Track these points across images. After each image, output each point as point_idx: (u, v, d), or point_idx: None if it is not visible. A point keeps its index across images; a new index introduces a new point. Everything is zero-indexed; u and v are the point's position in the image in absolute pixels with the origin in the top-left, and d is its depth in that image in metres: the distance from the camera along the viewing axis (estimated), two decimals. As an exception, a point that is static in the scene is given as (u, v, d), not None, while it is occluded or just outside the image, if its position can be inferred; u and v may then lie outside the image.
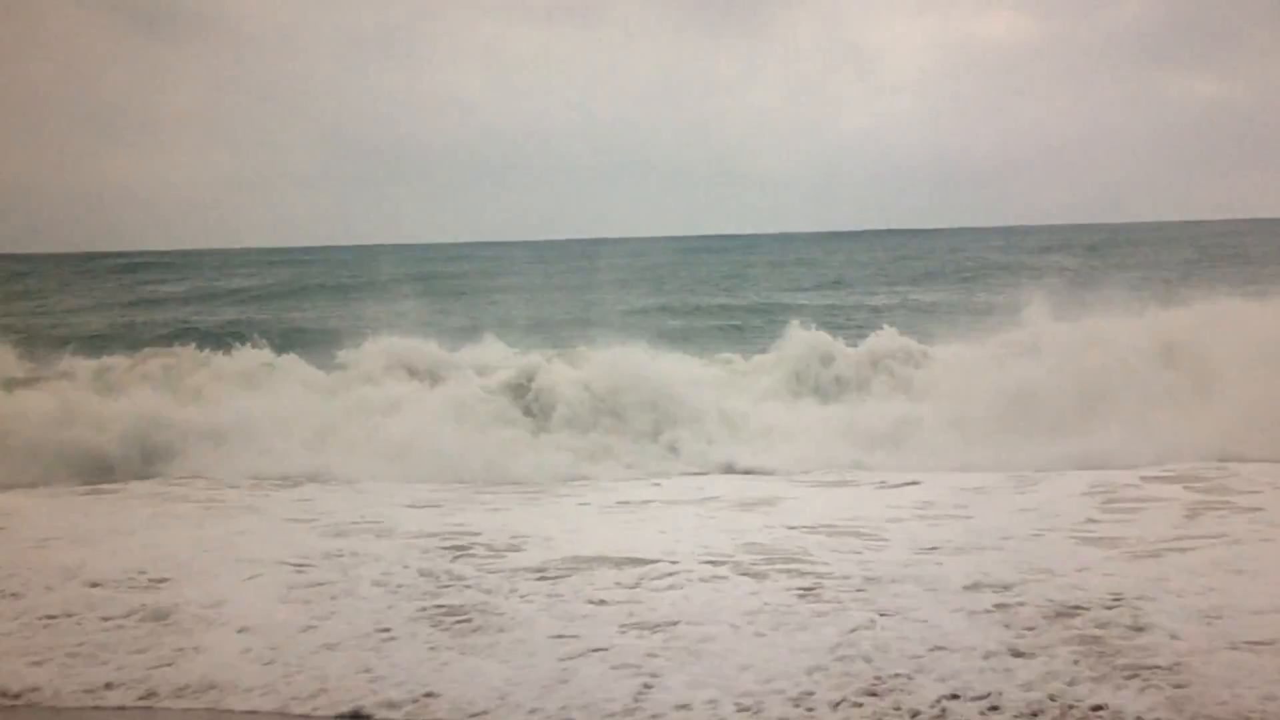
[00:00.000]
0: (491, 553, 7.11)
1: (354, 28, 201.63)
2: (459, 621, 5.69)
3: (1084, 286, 14.98)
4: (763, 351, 13.93)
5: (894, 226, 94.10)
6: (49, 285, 35.39)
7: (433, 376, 12.64)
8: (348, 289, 32.14)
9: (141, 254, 54.63)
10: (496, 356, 14.01)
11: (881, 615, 5.56)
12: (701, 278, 34.82)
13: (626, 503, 8.93)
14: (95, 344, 16.77)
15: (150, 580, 6.52)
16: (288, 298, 30.10)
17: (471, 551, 7.16)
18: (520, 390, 12.00)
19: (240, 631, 5.61)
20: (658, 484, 9.87)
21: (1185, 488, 8.70)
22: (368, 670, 5.07)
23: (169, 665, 5.21)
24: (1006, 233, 69.72)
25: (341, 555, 7.02)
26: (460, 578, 6.50)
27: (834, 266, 38.74)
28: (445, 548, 7.26)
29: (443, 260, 49.97)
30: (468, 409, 11.64)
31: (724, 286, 31.24)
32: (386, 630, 5.59)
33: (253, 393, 12.30)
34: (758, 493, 9.09)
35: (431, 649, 5.32)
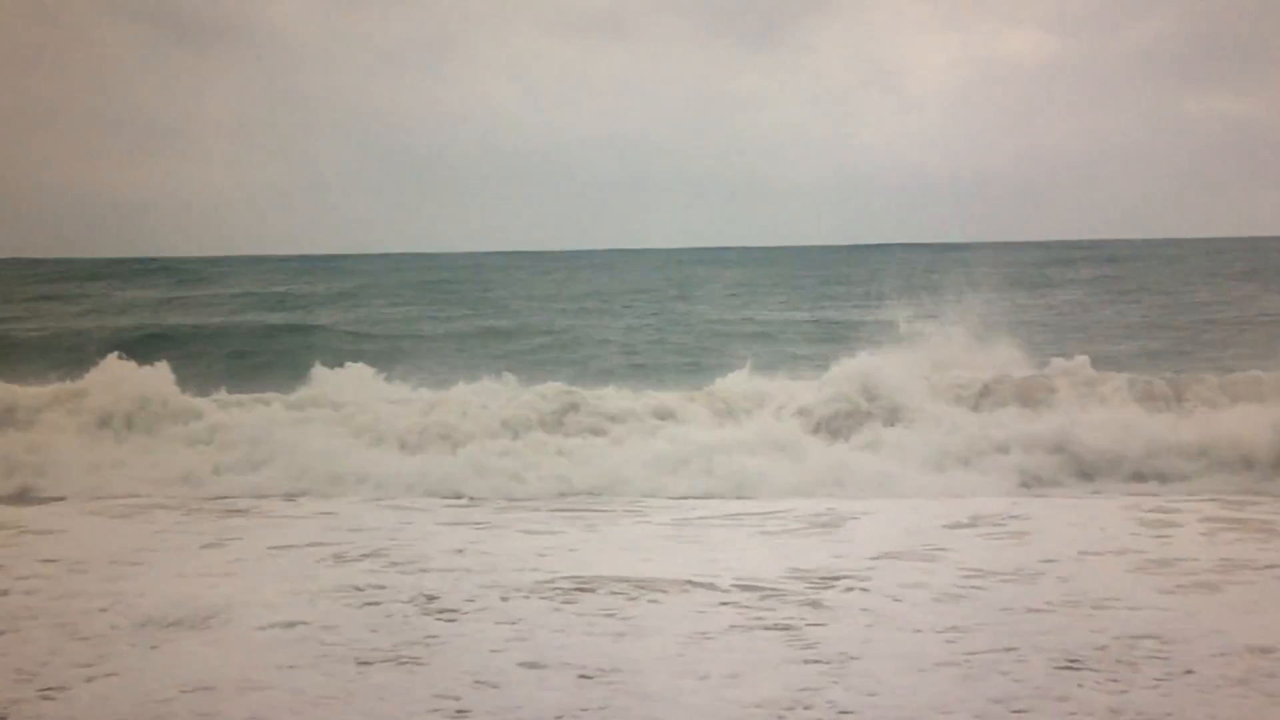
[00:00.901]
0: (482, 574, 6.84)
1: (386, 39, 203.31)
2: (394, 659, 5.31)
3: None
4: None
5: (915, 241, 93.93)
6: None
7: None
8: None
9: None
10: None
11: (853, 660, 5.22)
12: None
13: (685, 520, 8.59)
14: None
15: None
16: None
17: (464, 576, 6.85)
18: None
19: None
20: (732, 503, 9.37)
21: (1220, 505, 8.59)
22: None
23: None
24: (1043, 247, 69.72)
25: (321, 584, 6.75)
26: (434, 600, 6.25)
27: (872, 279, 38.86)
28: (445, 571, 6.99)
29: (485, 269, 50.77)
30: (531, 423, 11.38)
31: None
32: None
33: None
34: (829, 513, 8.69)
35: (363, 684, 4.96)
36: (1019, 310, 25.40)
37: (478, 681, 5.00)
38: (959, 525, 8.21)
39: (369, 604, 6.28)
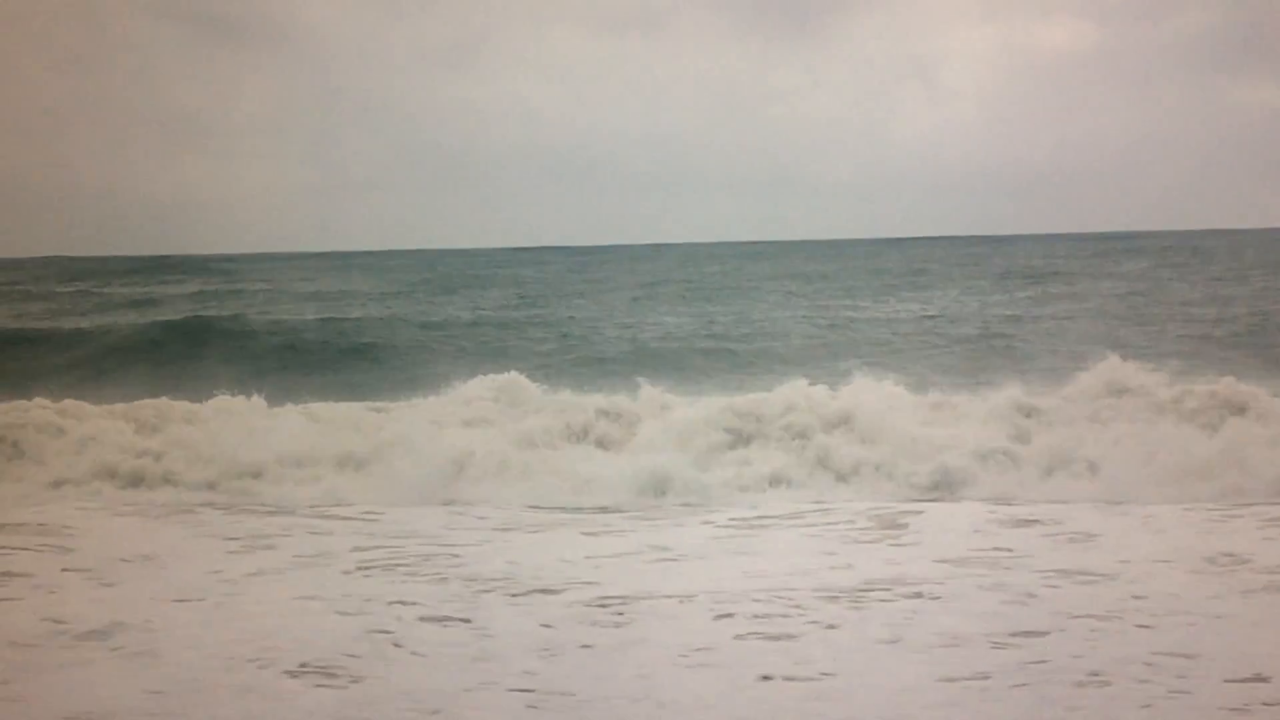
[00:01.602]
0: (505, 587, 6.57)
1: (420, 38, 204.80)
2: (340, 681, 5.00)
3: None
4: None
5: (953, 234, 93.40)
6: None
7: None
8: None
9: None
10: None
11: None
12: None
13: (747, 522, 8.42)
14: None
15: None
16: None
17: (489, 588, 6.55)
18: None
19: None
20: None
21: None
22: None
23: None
24: (1085, 239, 69.16)
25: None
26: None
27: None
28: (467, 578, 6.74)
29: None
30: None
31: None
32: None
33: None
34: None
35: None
36: (1076, 300, 25.28)
37: (415, 705, 4.75)
38: (1018, 527, 8.09)
39: (357, 613, 6.05)
